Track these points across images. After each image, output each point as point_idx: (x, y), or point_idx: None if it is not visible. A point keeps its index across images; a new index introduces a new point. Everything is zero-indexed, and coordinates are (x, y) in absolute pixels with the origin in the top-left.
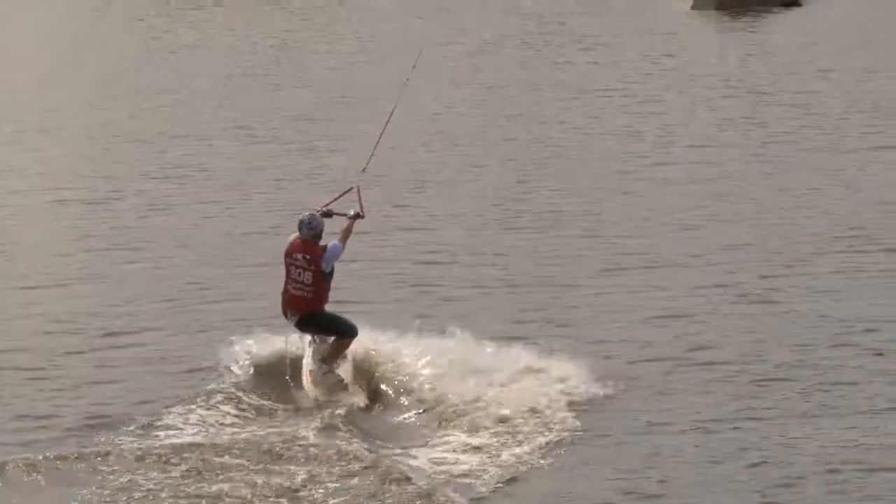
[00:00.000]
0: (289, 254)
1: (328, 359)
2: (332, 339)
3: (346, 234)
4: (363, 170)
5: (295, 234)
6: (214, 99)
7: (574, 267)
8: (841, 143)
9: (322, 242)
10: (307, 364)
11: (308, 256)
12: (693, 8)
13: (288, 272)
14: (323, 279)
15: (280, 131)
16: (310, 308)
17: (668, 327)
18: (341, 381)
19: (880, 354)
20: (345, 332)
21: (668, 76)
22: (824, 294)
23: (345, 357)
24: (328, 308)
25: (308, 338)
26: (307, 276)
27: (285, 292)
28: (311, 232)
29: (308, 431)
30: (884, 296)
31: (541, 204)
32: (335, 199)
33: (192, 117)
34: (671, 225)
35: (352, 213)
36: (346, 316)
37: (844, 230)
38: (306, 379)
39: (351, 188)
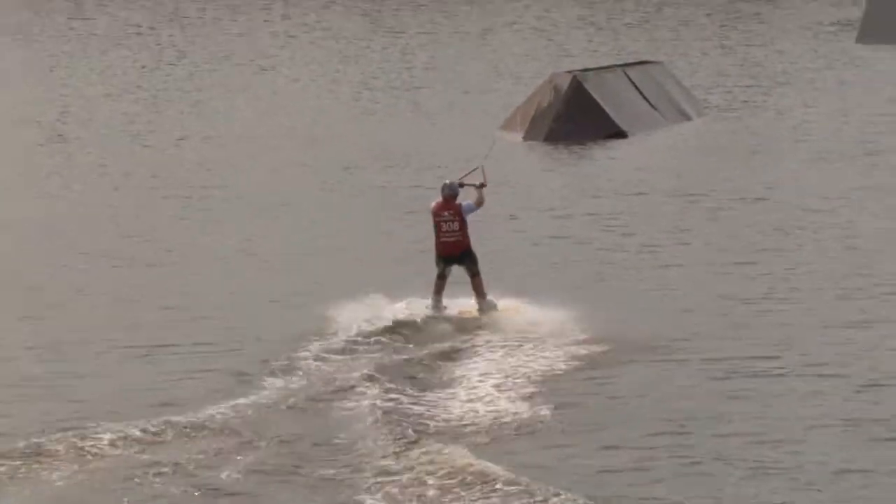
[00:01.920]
0: (436, 213)
1: (480, 292)
2: (474, 279)
3: (478, 198)
4: (487, 154)
5: (433, 202)
6: None
7: None
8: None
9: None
10: (436, 300)
11: (452, 211)
12: (525, 139)
13: (439, 227)
14: (465, 226)
15: None
16: (462, 248)
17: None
18: (494, 303)
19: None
20: (478, 271)
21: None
22: None
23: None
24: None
25: (431, 299)
26: (455, 226)
27: (439, 242)
28: (451, 192)
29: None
30: None
31: None
32: (466, 174)
33: None
34: None
35: (478, 183)
36: None
37: None
38: (474, 309)
39: (476, 168)
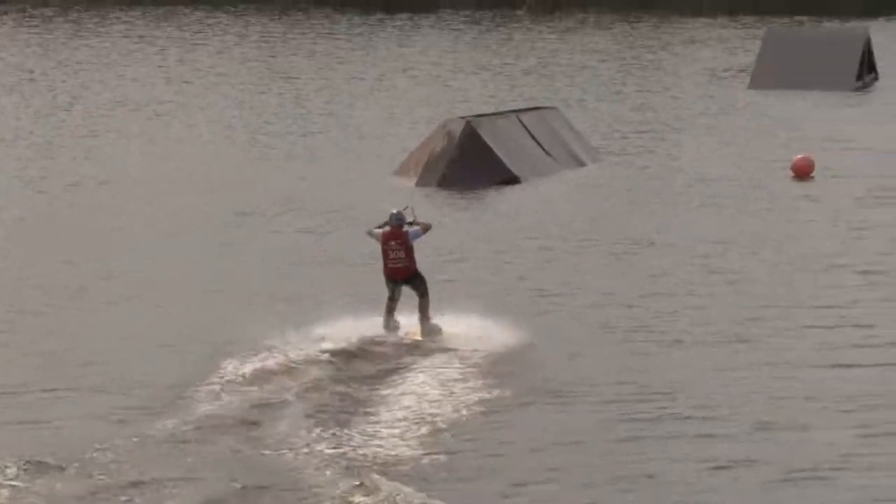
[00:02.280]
0: (384, 242)
1: (425, 314)
2: (421, 299)
3: (424, 228)
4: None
5: (383, 229)
6: None
7: None
8: None
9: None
10: (388, 319)
11: (399, 240)
12: (417, 185)
13: (386, 254)
14: (411, 252)
15: None
16: (409, 273)
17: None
18: (437, 327)
19: None
20: (426, 292)
21: None
22: None
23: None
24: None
25: (384, 315)
26: (401, 253)
27: (387, 267)
28: (398, 222)
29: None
30: None
31: None
32: (403, 209)
33: None
34: None
35: (411, 219)
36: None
37: None
38: (415, 333)
39: (407, 206)
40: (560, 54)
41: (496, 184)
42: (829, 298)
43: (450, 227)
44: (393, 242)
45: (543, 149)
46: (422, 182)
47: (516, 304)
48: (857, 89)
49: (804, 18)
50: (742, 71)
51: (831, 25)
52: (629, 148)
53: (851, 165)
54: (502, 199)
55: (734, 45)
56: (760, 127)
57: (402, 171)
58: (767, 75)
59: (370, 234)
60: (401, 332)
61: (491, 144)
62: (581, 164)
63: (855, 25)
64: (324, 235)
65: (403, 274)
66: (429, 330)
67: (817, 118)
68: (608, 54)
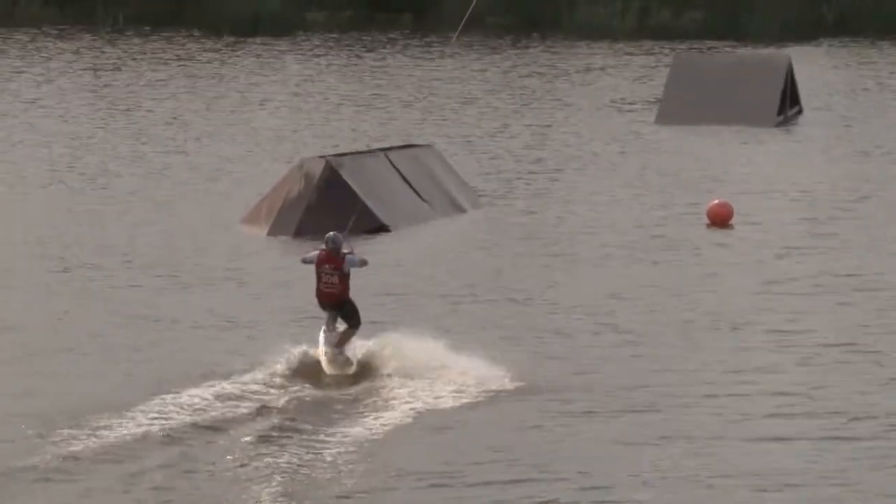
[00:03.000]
0: (319, 265)
1: (339, 343)
2: (343, 328)
3: (361, 261)
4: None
5: (317, 251)
6: None
7: None
8: None
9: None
10: (322, 348)
11: (333, 265)
12: (270, 234)
13: (319, 277)
14: (345, 278)
15: None
16: (339, 298)
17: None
18: (349, 360)
19: None
20: (355, 323)
21: None
22: None
23: (350, 343)
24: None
25: (321, 330)
26: (334, 279)
27: (319, 290)
28: (334, 246)
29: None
30: None
31: None
32: (343, 232)
33: None
34: None
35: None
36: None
37: None
38: (323, 359)
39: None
40: (440, 83)
41: (362, 233)
42: (739, 362)
43: (301, 288)
44: (327, 266)
45: (417, 193)
46: (275, 231)
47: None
48: (779, 124)
49: (717, 44)
50: (650, 102)
51: (747, 52)
52: (517, 191)
53: (772, 211)
54: (367, 252)
55: (639, 73)
56: (670, 167)
57: (251, 218)
58: (677, 108)
59: (305, 261)
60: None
61: (355, 187)
62: (460, 209)
63: (774, 52)
64: (158, 292)
65: (334, 299)
66: (337, 362)
67: (735, 157)
68: (497, 84)
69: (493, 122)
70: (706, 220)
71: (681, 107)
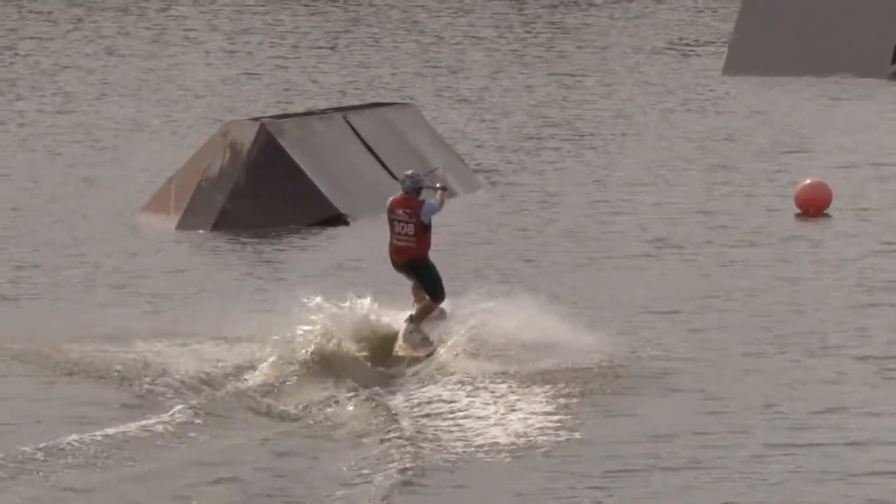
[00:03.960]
0: (391, 210)
1: (415, 318)
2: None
3: (442, 199)
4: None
5: (393, 196)
6: None
7: None
8: None
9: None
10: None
11: (409, 210)
12: (179, 228)
13: (392, 227)
14: (423, 231)
15: None
16: (414, 255)
17: None
18: (426, 338)
19: None
20: (434, 293)
21: None
22: None
23: (443, 315)
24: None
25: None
26: (409, 228)
27: (391, 245)
28: (413, 185)
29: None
30: None
31: None
32: (426, 174)
33: None
34: None
35: (437, 185)
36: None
37: None
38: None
39: (435, 168)
40: (431, 16)
41: (310, 224)
42: (826, 398)
43: (218, 302)
44: (401, 212)
45: (387, 170)
46: (186, 223)
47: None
48: (895, 75)
49: None
50: (718, 45)
51: None
52: (532, 167)
53: (883, 194)
54: (314, 254)
55: (703, 3)
56: (742, 133)
57: (155, 205)
58: (752, 54)
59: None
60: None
61: (300, 163)
62: (449, 192)
63: None
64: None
65: (409, 256)
66: (409, 340)
67: (831, 120)
68: (513, 21)
69: (505, 71)
70: (794, 207)
71: (757, 52)
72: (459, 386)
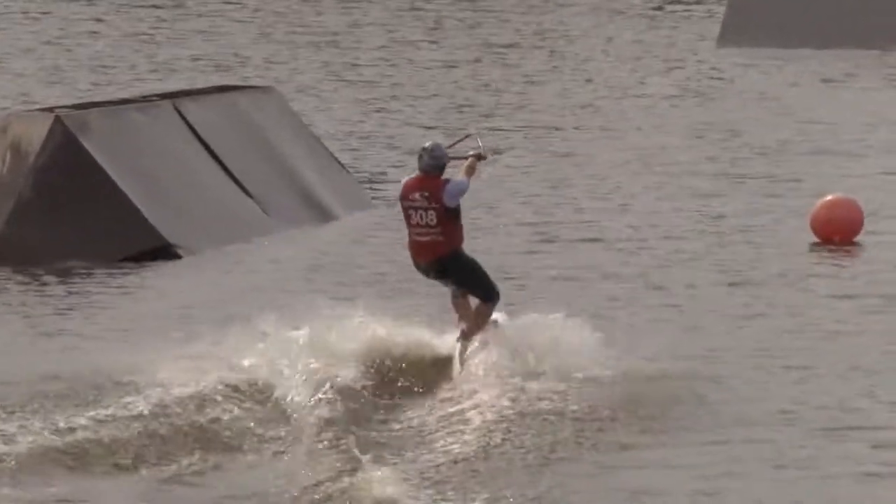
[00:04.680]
0: (405, 196)
1: (470, 333)
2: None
3: (470, 170)
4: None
5: (407, 176)
6: None
7: None
8: None
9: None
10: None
11: (427, 193)
12: None
13: (408, 218)
14: (449, 218)
15: None
16: (442, 251)
17: None
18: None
19: None
20: (486, 291)
21: None
22: None
23: (495, 323)
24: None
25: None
26: (431, 217)
27: (411, 242)
28: (433, 162)
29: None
30: None
31: None
32: (453, 144)
33: None
34: None
35: (471, 152)
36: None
37: None
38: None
39: (469, 135)
40: None
41: (123, 260)
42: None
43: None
44: (417, 196)
45: (236, 180)
46: None
47: None
48: None
49: None
50: (711, 8)
51: None
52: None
53: None
54: (131, 304)
55: None
56: (741, 124)
57: None
58: (752, 21)
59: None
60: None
61: (111, 171)
62: (326, 215)
63: None
64: None
65: (436, 253)
66: (469, 352)
67: (857, 108)
68: None
69: (411, 38)
70: (811, 233)
71: (758, 19)
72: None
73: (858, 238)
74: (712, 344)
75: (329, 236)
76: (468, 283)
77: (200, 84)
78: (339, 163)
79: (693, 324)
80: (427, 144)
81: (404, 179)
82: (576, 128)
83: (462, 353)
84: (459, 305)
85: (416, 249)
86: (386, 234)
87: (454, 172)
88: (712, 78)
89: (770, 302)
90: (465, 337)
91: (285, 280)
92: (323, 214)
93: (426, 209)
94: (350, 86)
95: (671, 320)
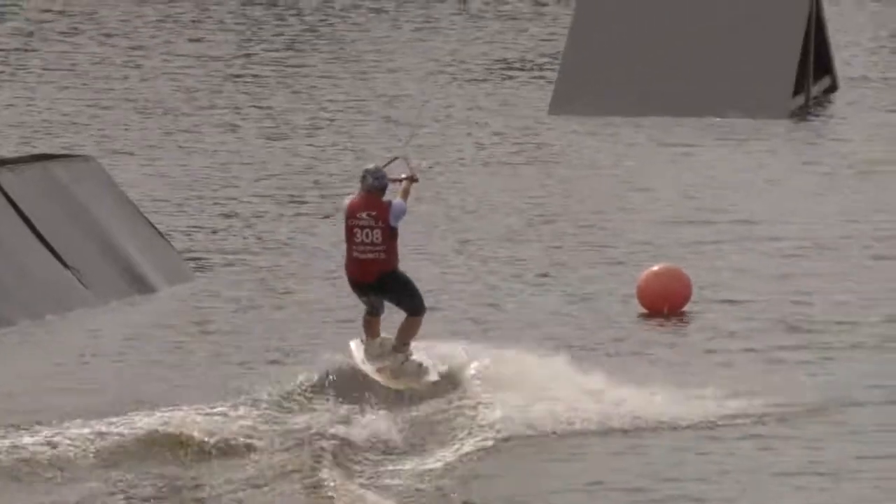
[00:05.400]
0: (351, 215)
1: (399, 345)
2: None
3: (405, 193)
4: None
5: (350, 196)
6: None
7: None
8: None
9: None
10: (366, 367)
11: (374, 213)
12: None
13: (352, 236)
14: (392, 237)
15: None
16: (384, 269)
17: None
18: (421, 365)
19: None
20: (417, 307)
21: None
22: None
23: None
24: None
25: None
26: (376, 235)
27: (351, 260)
28: (377, 183)
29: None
30: None
31: None
32: (384, 167)
33: None
34: None
35: (404, 175)
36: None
37: None
38: (380, 377)
39: (396, 157)
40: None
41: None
42: None
43: None
44: (364, 215)
45: (53, 252)
46: None
47: None
48: (796, 113)
49: None
50: (545, 69)
51: None
52: (268, 240)
53: (750, 286)
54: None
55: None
56: (574, 206)
57: None
58: (589, 85)
59: (339, 209)
60: (386, 361)
61: None
62: (144, 286)
63: None
64: None
65: (375, 270)
66: (405, 372)
67: (707, 175)
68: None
69: (230, 106)
70: (638, 303)
71: (592, 86)
72: None
73: (685, 307)
74: None
75: (146, 309)
76: (403, 298)
77: (16, 153)
78: (160, 233)
79: None
80: (370, 166)
81: (347, 199)
82: None
83: (396, 364)
84: (370, 324)
85: (359, 268)
86: (187, 320)
87: (392, 194)
88: (542, 144)
89: None
90: (396, 349)
91: (91, 344)
92: (141, 285)
93: (372, 228)
94: (166, 157)
95: None
